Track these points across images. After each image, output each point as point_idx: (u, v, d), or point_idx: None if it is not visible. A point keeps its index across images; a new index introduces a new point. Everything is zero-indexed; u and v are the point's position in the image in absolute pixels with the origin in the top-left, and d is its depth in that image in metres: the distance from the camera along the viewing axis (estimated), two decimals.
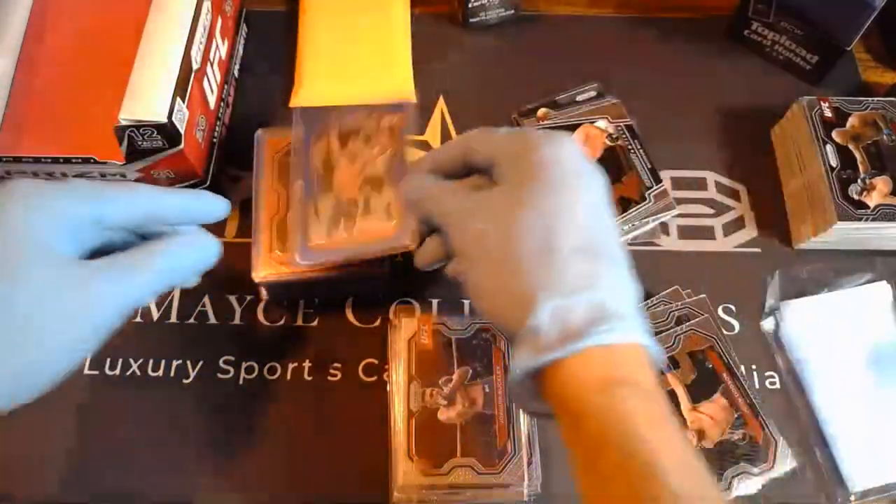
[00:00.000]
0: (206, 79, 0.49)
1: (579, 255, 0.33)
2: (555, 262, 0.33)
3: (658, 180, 0.52)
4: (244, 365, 0.47)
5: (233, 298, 0.49)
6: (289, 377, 0.47)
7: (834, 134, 0.50)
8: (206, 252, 0.37)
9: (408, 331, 0.45)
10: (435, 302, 0.49)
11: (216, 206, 0.38)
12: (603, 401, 0.30)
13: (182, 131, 0.44)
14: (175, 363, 0.47)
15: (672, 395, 0.44)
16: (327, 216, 0.44)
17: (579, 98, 0.56)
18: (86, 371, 0.46)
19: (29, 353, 0.32)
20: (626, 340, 0.32)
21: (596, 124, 0.54)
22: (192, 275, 0.38)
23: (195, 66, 0.47)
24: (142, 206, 0.36)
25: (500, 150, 0.38)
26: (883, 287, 0.49)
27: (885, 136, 0.50)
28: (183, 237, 0.37)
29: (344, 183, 0.45)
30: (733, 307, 0.50)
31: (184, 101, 0.45)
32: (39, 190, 0.33)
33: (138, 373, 0.46)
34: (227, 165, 0.53)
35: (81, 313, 0.33)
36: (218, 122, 0.52)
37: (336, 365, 0.47)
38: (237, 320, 0.48)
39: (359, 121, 0.47)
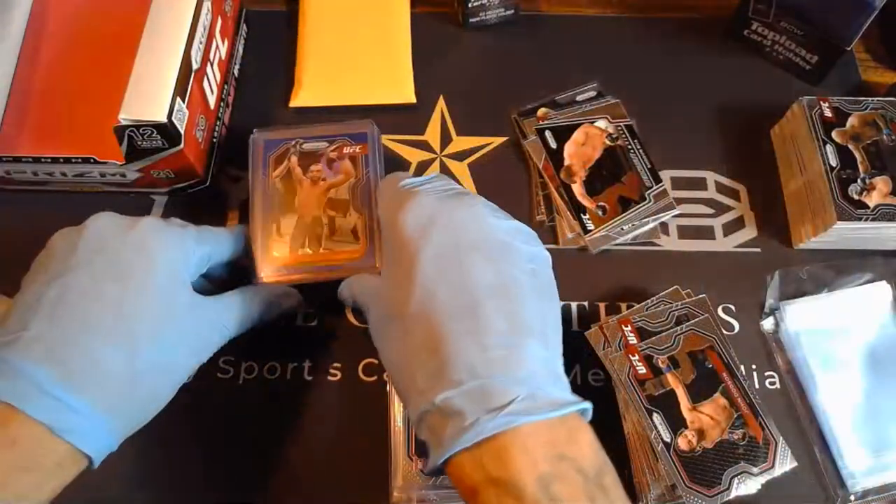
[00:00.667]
0: (205, 79, 0.49)
1: (425, 351, 0.32)
2: (411, 370, 0.32)
3: (658, 180, 0.52)
4: (244, 365, 0.47)
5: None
6: (289, 377, 0.47)
7: (834, 134, 0.50)
8: (294, 301, 0.44)
9: None
10: None
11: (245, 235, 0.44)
12: (474, 501, 0.30)
13: (182, 131, 0.44)
14: None
15: (672, 396, 0.44)
16: (289, 235, 0.44)
17: (579, 98, 0.56)
18: None
19: (161, 379, 0.35)
20: (481, 438, 0.29)
21: (596, 124, 0.54)
22: (268, 317, 0.42)
23: (195, 66, 0.47)
24: (226, 250, 0.42)
25: (382, 223, 0.39)
26: (883, 287, 0.49)
27: (884, 136, 0.50)
28: (275, 287, 0.43)
29: (307, 204, 0.45)
30: (733, 307, 0.50)
31: (184, 101, 0.45)
32: (175, 229, 0.38)
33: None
34: (227, 165, 0.53)
35: (199, 336, 0.37)
36: (218, 122, 0.52)
37: (336, 365, 0.47)
38: None
39: (320, 147, 0.47)
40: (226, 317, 0.39)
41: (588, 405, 0.32)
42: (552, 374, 0.33)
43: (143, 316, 0.34)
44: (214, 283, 0.43)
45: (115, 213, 0.38)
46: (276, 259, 0.44)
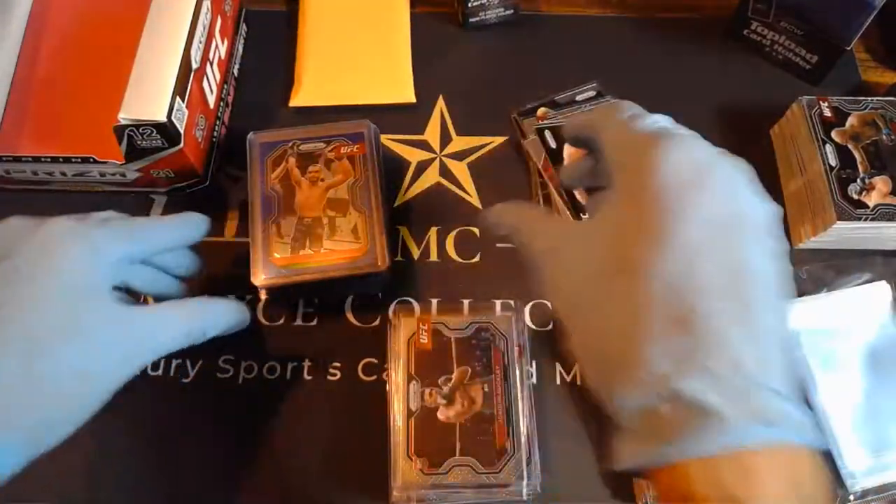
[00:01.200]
0: (205, 78, 0.49)
1: (672, 324, 0.26)
2: (641, 342, 0.26)
3: None
4: (244, 364, 0.47)
5: (233, 298, 0.49)
6: (288, 377, 0.47)
7: (833, 134, 0.50)
8: (241, 318, 0.40)
9: (407, 330, 0.45)
10: (434, 301, 0.49)
11: (200, 225, 0.41)
12: None
13: (181, 131, 0.44)
14: (175, 362, 0.47)
15: None
16: (290, 236, 0.44)
17: (579, 98, 0.56)
18: None
19: (72, 391, 0.32)
20: (737, 447, 0.25)
21: None
22: (213, 333, 0.38)
23: (195, 66, 0.47)
24: (158, 241, 0.38)
25: (618, 159, 0.31)
26: (883, 287, 0.49)
27: (884, 136, 0.50)
28: (221, 301, 0.39)
29: (306, 205, 0.45)
30: None
31: (183, 101, 0.45)
32: (84, 229, 0.34)
33: (138, 372, 0.46)
34: (226, 165, 0.53)
35: (122, 348, 0.34)
36: (217, 122, 0.52)
37: (335, 364, 0.47)
38: None
39: (317, 148, 0.47)
40: (157, 331, 0.35)
41: (820, 443, 0.27)
42: (799, 396, 0.27)
43: (44, 324, 0.31)
44: (176, 273, 0.42)
45: (22, 215, 0.35)
46: (278, 260, 0.44)
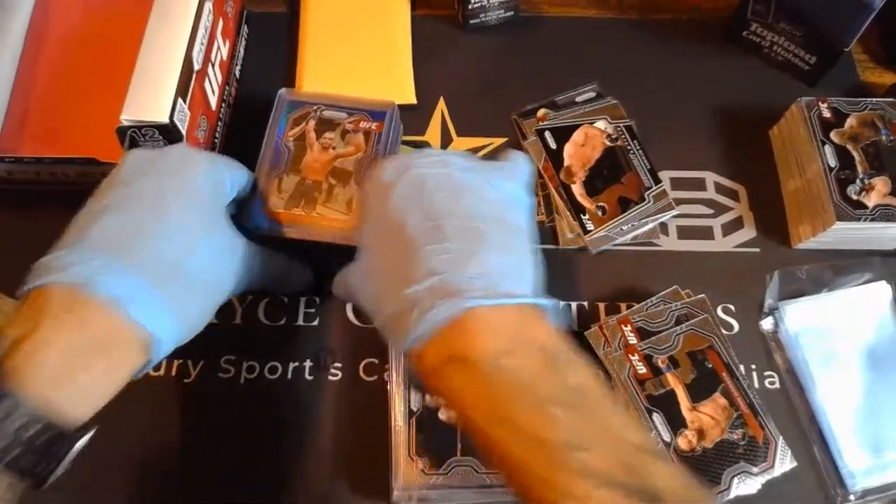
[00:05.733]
0: (207, 79, 0.49)
1: (392, 271, 0.35)
2: (382, 288, 0.35)
3: (657, 181, 0.52)
4: (245, 364, 0.47)
5: (233, 298, 0.49)
6: (289, 377, 0.47)
7: (832, 134, 0.50)
8: (305, 281, 0.48)
9: None
10: None
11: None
12: (435, 383, 0.33)
13: (184, 132, 0.45)
14: (176, 362, 0.47)
15: (672, 395, 0.44)
16: (288, 193, 0.46)
17: (579, 99, 0.56)
18: None
19: (204, 287, 0.37)
20: (440, 318, 0.31)
21: (595, 125, 0.54)
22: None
23: (197, 67, 0.47)
24: (245, 179, 0.44)
25: (364, 193, 0.41)
26: (882, 287, 0.49)
27: (883, 137, 0.50)
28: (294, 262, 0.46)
29: (312, 167, 0.47)
30: (732, 307, 0.50)
31: (185, 102, 0.45)
32: (211, 157, 0.41)
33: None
34: None
35: (232, 262, 0.39)
36: (219, 123, 0.53)
37: (336, 364, 0.47)
38: (237, 320, 0.49)
39: (339, 117, 0.48)
40: (250, 257, 0.40)
41: (548, 302, 0.34)
42: (516, 274, 0.34)
43: (194, 220, 0.37)
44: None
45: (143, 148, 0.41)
46: (271, 213, 0.45)
